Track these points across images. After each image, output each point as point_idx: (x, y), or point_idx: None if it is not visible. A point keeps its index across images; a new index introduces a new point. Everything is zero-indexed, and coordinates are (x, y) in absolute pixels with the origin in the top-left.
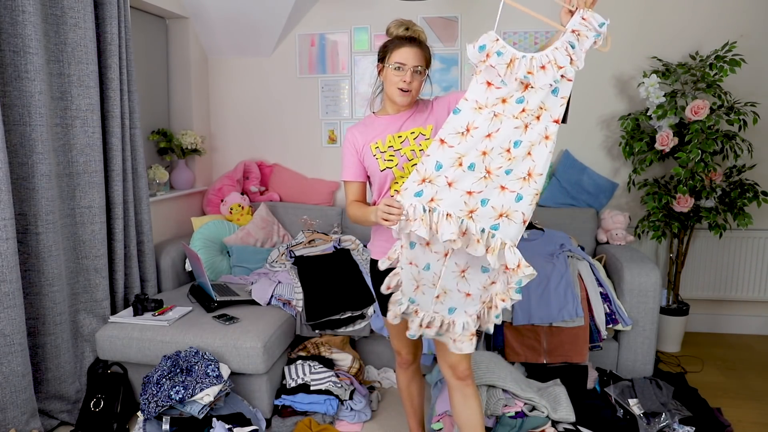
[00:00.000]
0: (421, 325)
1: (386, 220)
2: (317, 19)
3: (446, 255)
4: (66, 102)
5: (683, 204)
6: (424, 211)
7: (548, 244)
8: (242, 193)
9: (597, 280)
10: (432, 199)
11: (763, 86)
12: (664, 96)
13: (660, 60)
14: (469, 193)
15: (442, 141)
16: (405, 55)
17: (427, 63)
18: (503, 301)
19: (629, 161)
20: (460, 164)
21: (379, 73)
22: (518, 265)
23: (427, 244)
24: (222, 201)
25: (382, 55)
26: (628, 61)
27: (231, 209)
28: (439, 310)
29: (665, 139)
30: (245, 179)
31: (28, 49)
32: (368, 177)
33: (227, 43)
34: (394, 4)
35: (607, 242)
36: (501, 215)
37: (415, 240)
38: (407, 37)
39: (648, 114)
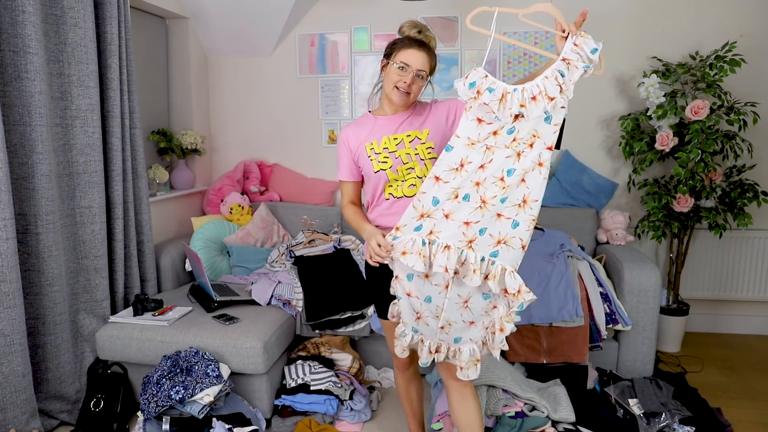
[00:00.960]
0: (430, 352)
1: (370, 257)
2: (317, 19)
3: (447, 287)
4: (66, 102)
5: (683, 204)
6: (423, 244)
7: (548, 244)
8: (242, 193)
9: (597, 280)
10: (431, 232)
11: (763, 86)
12: (664, 96)
13: (660, 60)
14: (467, 223)
15: (437, 178)
16: (411, 56)
17: (431, 70)
18: (509, 323)
19: (629, 161)
20: (456, 197)
21: (382, 69)
22: (518, 291)
23: (426, 276)
24: (222, 201)
25: (389, 52)
26: (628, 61)
27: (231, 209)
28: (445, 339)
29: (665, 139)
30: (245, 179)
31: (28, 49)
32: (363, 177)
33: (227, 43)
34: (394, 4)
35: (607, 242)
36: (499, 242)
37: (412, 272)
38: (418, 39)
39: (648, 114)
